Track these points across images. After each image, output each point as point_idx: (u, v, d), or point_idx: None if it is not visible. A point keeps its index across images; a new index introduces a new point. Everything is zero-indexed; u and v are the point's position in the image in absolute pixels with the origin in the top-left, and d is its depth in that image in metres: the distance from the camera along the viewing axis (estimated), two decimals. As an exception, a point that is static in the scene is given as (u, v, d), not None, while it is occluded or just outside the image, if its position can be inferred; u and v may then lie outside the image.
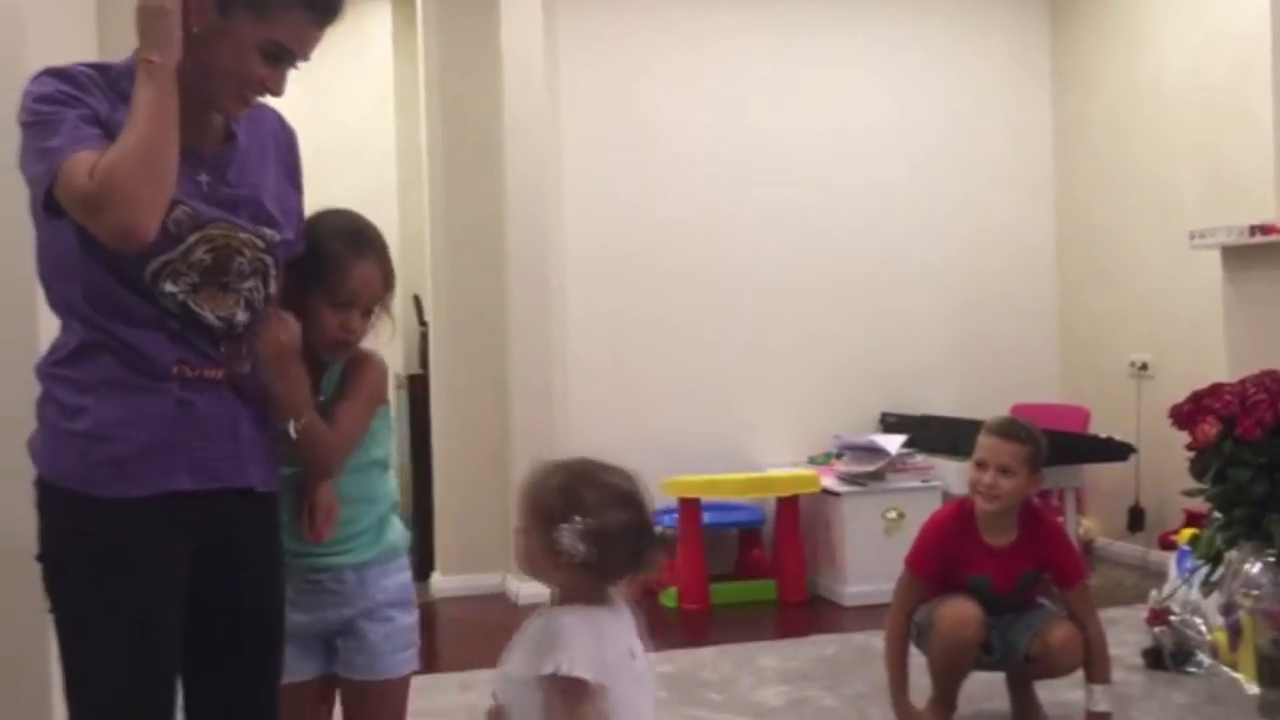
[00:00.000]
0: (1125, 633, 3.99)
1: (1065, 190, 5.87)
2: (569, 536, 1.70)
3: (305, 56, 1.76)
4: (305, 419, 1.85)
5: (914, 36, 5.71)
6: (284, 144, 1.92)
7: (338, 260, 1.94)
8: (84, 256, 1.65)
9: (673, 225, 5.38)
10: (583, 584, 1.75)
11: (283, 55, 1.73)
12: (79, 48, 3.43)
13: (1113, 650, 3.77)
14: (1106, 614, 4.26)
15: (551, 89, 5.16)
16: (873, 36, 5.67)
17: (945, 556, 3.11)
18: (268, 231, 1.78)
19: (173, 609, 1.71)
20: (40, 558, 1.72)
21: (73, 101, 1.63)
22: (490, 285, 5.11)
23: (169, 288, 1.67)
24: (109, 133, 1.62)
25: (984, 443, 3.08)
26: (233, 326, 1.75)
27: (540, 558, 1.75)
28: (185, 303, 1.69)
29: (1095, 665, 3.06)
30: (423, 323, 5.56)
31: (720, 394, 5.41)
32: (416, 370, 5.61)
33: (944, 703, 3.12)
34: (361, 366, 2.00)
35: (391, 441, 2.16)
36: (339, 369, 2.01)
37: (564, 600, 1.76)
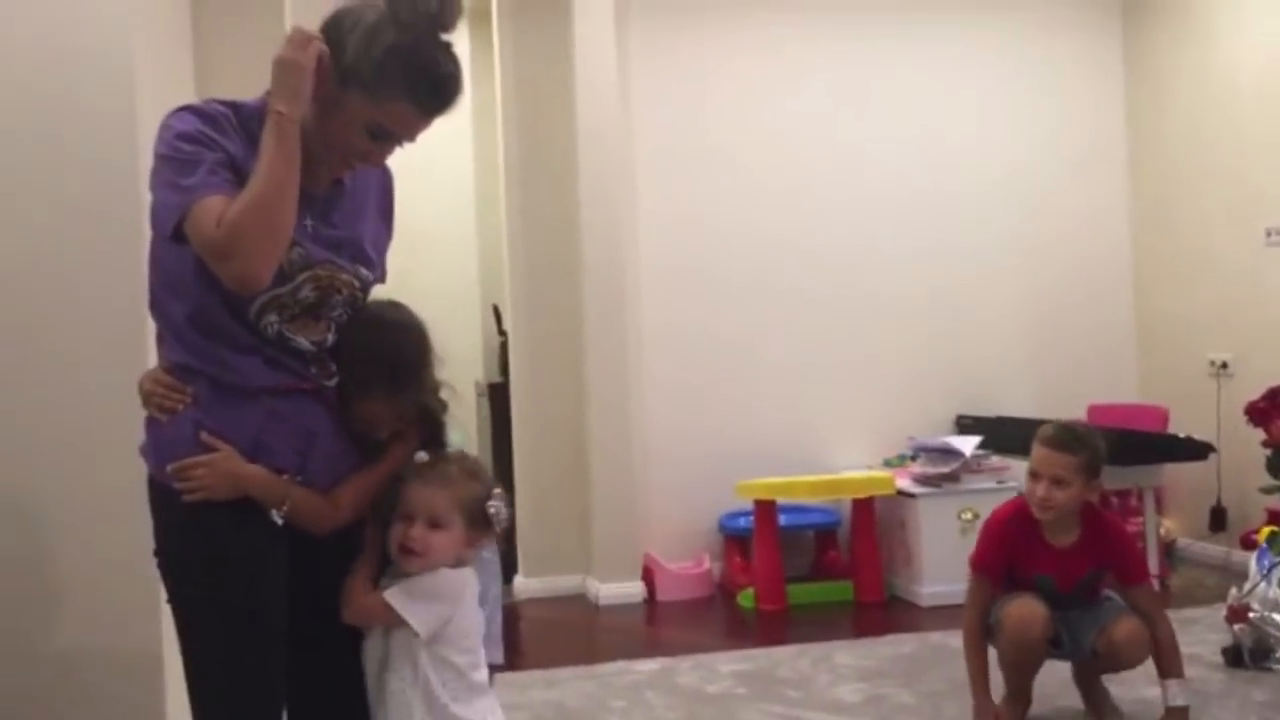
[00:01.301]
0: (1206, 632, 3.98)
1: (1141, 190, 5.83)
2: (498, 506, 1.97)
3: (411, 140, 1.85)
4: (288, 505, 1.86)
5: (985, 42, 5.72)
6: (383, 185, 2.03)
7: (346, 394, 1.91)
8: (196, 280, 1.77)
9: (746, 233, 5.45)
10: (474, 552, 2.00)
11: (387, 137, 1.83)
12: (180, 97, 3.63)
13: (1193, 649, 3.81)
14: (1187, 614, 4.30)
15: (625, 104, 5.27)
16: (944, 42, 5.68)
17: (1008, 555, 3.15)
18: (364, 272, 1.92)
19: (278, 596, 1.84)
20: (157, 553, 1.86)
21: (211, 144, 1.75)
22: (567, 295, 5.23)
23: (270, 318, 1.81)
24: (240, 176, 1.73)
25: (1037, 454, 3.09)
26: (321, 349, 1.88)
27: (462, 539, 1.94)
28: (281, 331, 1.82)
29: (1166, 660, 3.07)
30: (502, 332, 5.69)
31: (795, 398, 5.47)
32: (496, 379, 5.74)
33: (1017, 698, 3.16)
34: (394, 444, 1.99)
35: None
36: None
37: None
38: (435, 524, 1.92)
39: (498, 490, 1.99)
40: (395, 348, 1.94)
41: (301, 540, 1.86)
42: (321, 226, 1.86)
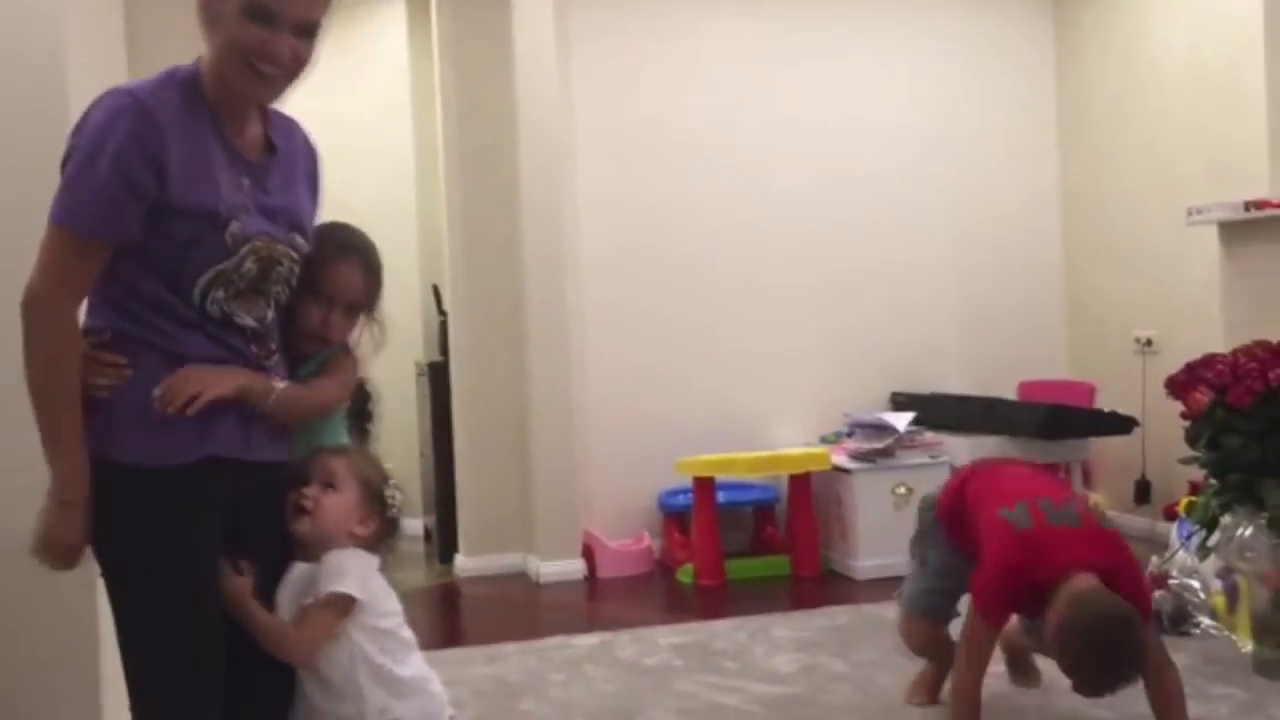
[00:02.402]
0: (1129, 600, 4.11)
1: (1069, 172, 5.96)
2: (395, 495, 2.04)
3: (293, 14, 1.79)
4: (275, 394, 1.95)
5: (917, 21, 5.81)
6: (311, 159, 2.04)
7: (322, 258, 2.02)
8: (132, 264, 1.79)
9: (684, 212, 5.50)
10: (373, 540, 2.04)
11: (267, 15, 1.77)
12: (112, 63, 3.57)
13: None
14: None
15: (564, 83, 5.28)
16: (878, 23, 5.76)
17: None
18: (299, 240, 1.94)
19: (215, 562, 1.86)
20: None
21: (131, 163, 1.73)
22: (507, 274, 5.25)
23: (216, 294, 1.82)
24: (162, 176, 1.74)
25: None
26: (263, 325, 1.90)
27: (355, 509, 1.99)
28: (224, 309, 1.84)
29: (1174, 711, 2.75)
30: (442, 312, 5.69)
31: (734, 376, 5.53)
32: (437, 358, 5.74)
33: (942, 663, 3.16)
34: (341, 360, 2.10)
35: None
36: (316, 363, 2.09)
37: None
38: (329, 486, 1.97)
39: (395, 484, 2.05)
40: (368, 239, 2.15)
41: (230, 525, 1.88)
42: (258, 193, 1.88)
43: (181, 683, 1.82)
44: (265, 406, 1.89)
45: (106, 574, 1.85)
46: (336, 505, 1.97)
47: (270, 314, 1.91)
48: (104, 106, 1.77)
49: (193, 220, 1.78)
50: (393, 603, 2.02)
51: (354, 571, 1.94)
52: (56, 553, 1.82)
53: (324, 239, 2.03)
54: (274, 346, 1.94)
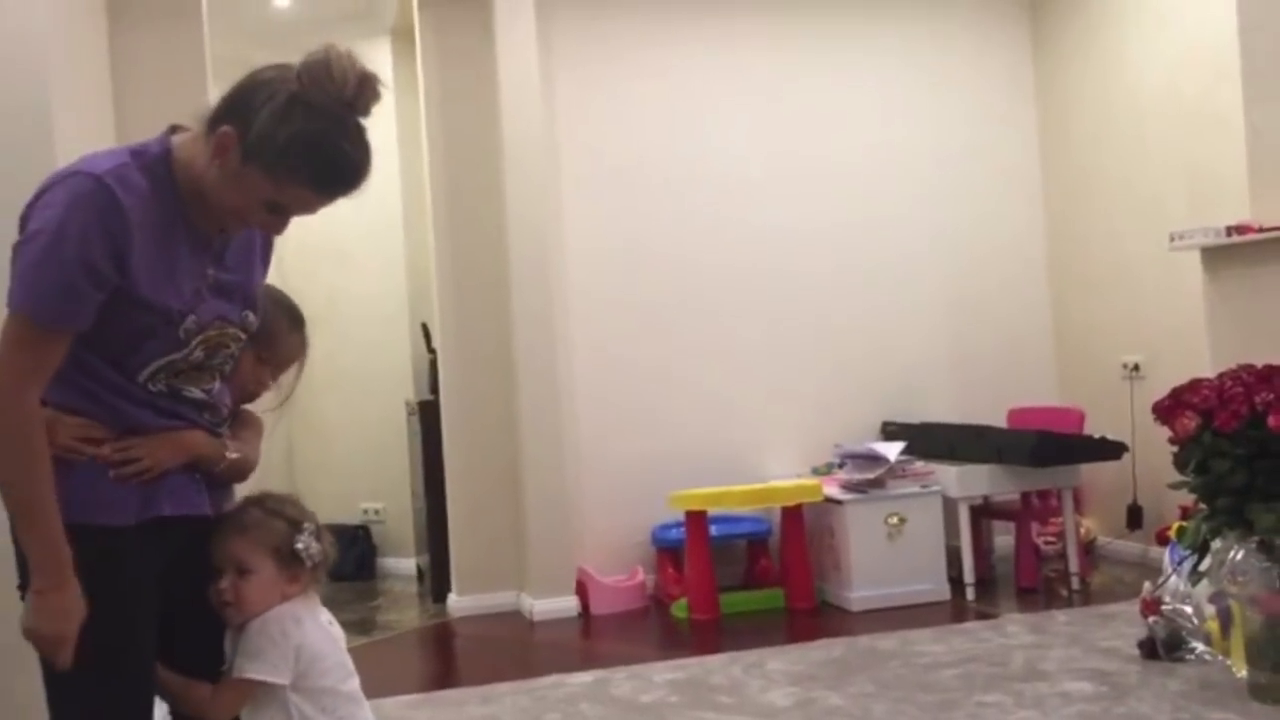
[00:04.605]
0: (1123, 626, 4.12)
1: (1053, 202, 6.01)
2: (306, 541, 1.97)
3: (310, 213, 1.81)
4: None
5: (902, 61, 5.87)
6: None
7: (278, 329, 2.11)
8: (79, 343, 1.73)
9: (672, 247, 5.52)
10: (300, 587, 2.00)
11: (286, 213, 1.79)
12: (100, 131, 3.58)
13: (1112, 643, 3.95)
14: (1106, 609, 4.44)
15: (549, 121, 5.32)
16: (862, 59, 5.82)
17: None
18: (250, 317, 1.92)
19: (151, 619, 1.82)
20: (23, 586, 1.77)
21: (92, 258, 1.66)
22: (496, 312, 5.26)
23: (160, 377, 1.81)
24: (121, 269, 1.69)
25: None
26: (211, 396, 1.90)
27: (276, 580, 1.96)
28: (171, 386, 1.83)
29: None
30: (431, 350, 5.70)
31: (724, 410, 5.54)
32: (427, 396, 5.74)
33: None
34: (255, 417, 2.16)
35: None
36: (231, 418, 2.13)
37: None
38: (243, 571, 1.94)
39: (308, 525, 2.00)
40: (286, 293, 2.22)
41: (174, 579, 1.86)
42: (220, 272, 1.85)
43: None
44: (215, 472, 1.91)
45: None
46: (256, 588, 1.93)
47: (218, 384, 1.92)
48: (68, 189, 1.69)
49: (149, 313, 1.75)
50: (337, 653, 1.99)
51: (269, 651, 1.91)
52: (42, 643, 1.72)
53: (274, 305, 2.09)
54: (225, 412, 1.95)
